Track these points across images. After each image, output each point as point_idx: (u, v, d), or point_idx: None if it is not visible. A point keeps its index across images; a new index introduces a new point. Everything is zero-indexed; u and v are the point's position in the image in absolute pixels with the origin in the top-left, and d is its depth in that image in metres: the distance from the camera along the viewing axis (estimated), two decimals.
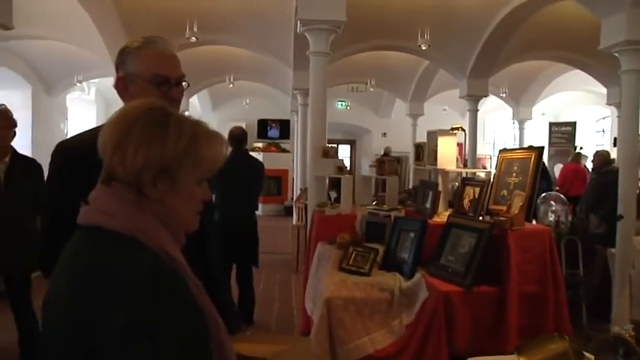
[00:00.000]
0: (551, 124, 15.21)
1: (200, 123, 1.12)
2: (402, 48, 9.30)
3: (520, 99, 14.55)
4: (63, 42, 8.75)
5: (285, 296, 6.40)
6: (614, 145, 10.23)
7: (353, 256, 3.38)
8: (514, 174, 3.33)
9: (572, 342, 1.65)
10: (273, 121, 16.53)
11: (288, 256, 8.23)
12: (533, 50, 9.52)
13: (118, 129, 1.06)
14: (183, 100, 1.73)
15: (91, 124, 11.26)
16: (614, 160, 7.40)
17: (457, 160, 4.13)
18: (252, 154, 6.06)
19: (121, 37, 7.82)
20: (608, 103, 10.79)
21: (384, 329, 2.97)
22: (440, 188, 3.76)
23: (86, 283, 0.97)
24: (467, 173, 4.14)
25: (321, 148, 5.18)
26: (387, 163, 4.59)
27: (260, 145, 15.53)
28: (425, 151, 4.23)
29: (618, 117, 7.13)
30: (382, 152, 13.07)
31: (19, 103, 10.50)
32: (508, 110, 15.42)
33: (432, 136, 4.05)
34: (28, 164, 4.04)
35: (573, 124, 14.75)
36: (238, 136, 5.09)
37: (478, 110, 10.02)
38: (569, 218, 5.77)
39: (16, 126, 3.98)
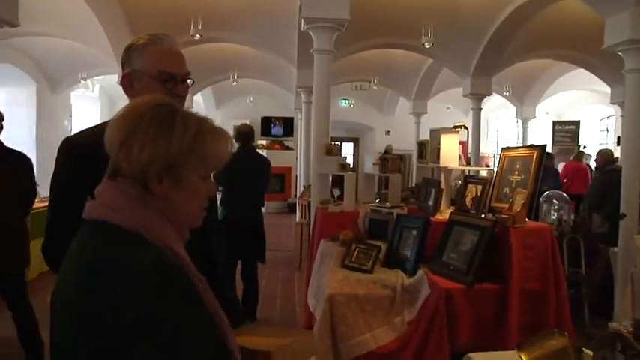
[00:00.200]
0: (554, 123, 15.21)
1: (206, 120, 1.13)
2: (406, 46, 9.31)
3: (524, 98, 14.53)
4: (68, 39, 8.78)
5: (287, 293, 6.43)
6: (618, 144, 10.23)
7: (356, 253, 3.40)
8: (516, 172, 3.34)
9: (573, 339, 1.66)
10: (277, 118, 16.55)
11: (291, 253, 8.26)
12: (536, 49, 9.52)
13: (124, 125, 1.07)
14: (187, 98, 1.75)
15: (95, 121, 11.31)
16: (617, 159, 7.40)
17: (460, 158, 4.14)
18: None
19: (125, 35, 7.84)
20: (612, 102, 10.78)
21: (386, 326, 2.99)
22: (442, 186, 3.78)
23: (92, 278, 0.98)
24: (469, 171, 4.15)
25: (324, 145, 5.19)
26: (390, 160, 4.60)
27: (263, 142, 15.56)
28: (428, 149, 4.24)
29: (622, 116, 7.12)
30: (384, 150, 13.09)
31: (24, 100, 10.56)
32: (512, 109, 15.40)
33: (435, 134, 4.06)
34: (18, 159, 3.86)
35: (577, 123, 14.75)
36: (246, 134, 5.14)
37: (482, 109, 10.03)
38: (572, 217, 5.78)
39: (3, 119, 3.87)
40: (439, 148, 3.92)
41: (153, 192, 1.06)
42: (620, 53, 5.17)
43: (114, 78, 9.48)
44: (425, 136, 4.42)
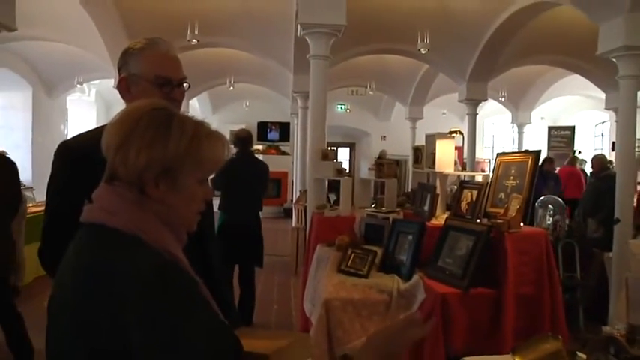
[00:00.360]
0: (550, 129, 15.27)
1: (202, 124, 1.13)
2: (402, 52, 9.34)
3: (519, 103, 14.59)
4: (64, 43, 8.79)
5: (283, 298, 6.43)
6: (613, 150, 10.28)
7: (352, 257, 3.41)
8: (511, 177, 3.36)
9: (568, 344, 1.67)
10: (273, 123, 16.56)
11: (287, 258, 8.26)
12: (532, 55, 9.56)
13: (121, 129, 1.07)
14: (183, 102, 1.76)
15: (91, 125, 11.27)
16: (610, 162, 7.45)
17: (455, 164, 4.15)
18: None
19: (122, 39, 7.85)
20: (607, 108, 10.83)
21: None
22: (438, 191, 3.79)
23: (89, 282, 0.99)
24: (465, 176, 4.16)
25: (320, 150, 5.20)
26: (386, 166, 4.62)
27: (260, 147, 15.56)
28: (423, 155, 4.25)
29: (616, 121, 7.17)
30: (378, 155, 13.10)
31: (20, 104, 10.55)
32: (507, 114, 15.46)
33: (431, 139, 4.07)
34: (1, 163, 3.82)
35: (572, 129, 14.81)
36: (244, 139, 5.18)
37: (477, 114, 10.06)
38: (567, 222, 5.80)
39: None
40: (435, 154, 3.93)
41: (150, 196, 1.06)
42: (614, 59, 5.21)
43: (110, 82, 9.48)
44: (421, 141, 4.43)
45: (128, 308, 0.93)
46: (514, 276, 2.87)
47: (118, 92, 1.69)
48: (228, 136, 1.66)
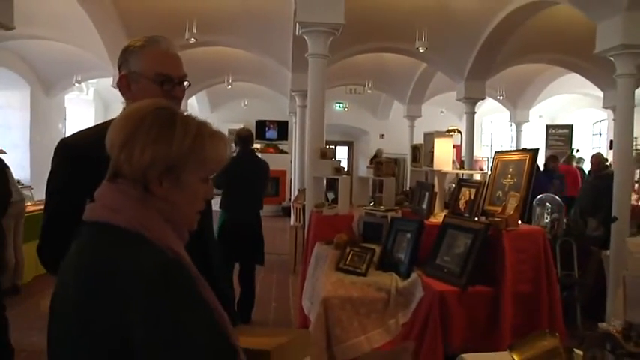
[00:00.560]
0: (548, 127, 15.30)
1: (205, 123, 1.15)
2: (400, 50, 9.34)
3: (517, 101, 14.60)
4: (62, 42, 8.79)
5: (282, 296, 6.44)
6: (611, 148, 10.30)
7: (350, 256, 3.42)
8: (509, 175, 3.37)
9: (565, 341, 1.69)
10: (271, 122, 16.54)
11: (285, 257, 8.27)
12: (530, 53, 9.58)
13: (125, 127, 1.08)
14: (182, 101, 1.76)
15: (89, 124, 11.21)
16: (606, 159, 7.47)
17: (453, 162, 4.16)
18: None
19: (120, 38, 7.85)
20: (605, 106, 10.85)
21: (380, 328, 3.00)
22: (436, 189, 3.80)
23: (93, 281, 1.00)
24: (463, 175, 4.17)
25: (319, 149, 5.21)
26: (385, 164, 4.62)
27: (258, 146, 15.54)
28: (422, 153, 4.26)
29: (614, 120, 7.19)
30: (374, 154, 13.10)
31: (18, 103, 10.54)
32: (505, 113, 15.47)
33: (429, 137, 4.08)
34: None
35: (570, 127, 14.84)
36: (245, 137, 5.21)
37: (475, 112, 10.07)
38: (564, 220, 5.81)
39: None
40: (433, 152, 3.94)
41: (154, 193, 1.08)
42: (611, 58, 5.22)
43: (108, 81, 9.47)
44: (419, 139, 4.44)
45: (131, 307, 0.94)
46: (512, 274, 2.89)
47: (116, 91, 1.69)
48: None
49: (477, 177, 3.95)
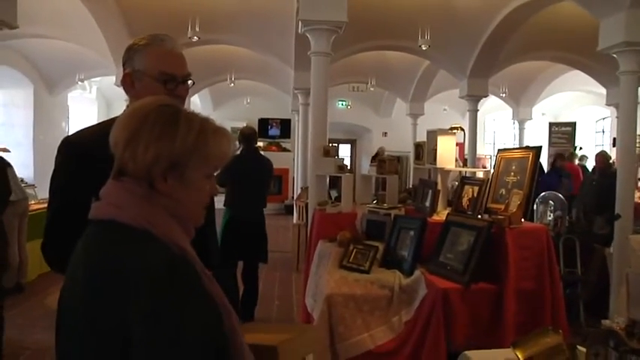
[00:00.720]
0: (551, 125, 15.26)
1: (208, 120, 1.15)
2: (403, 48, 9.34)
3: (520, 99, 14.57)
4: (65, 41, 8.80)
5: (285, 294, 6.45)
6: (614, 146, 10.29)
7: (353, 253, 3.42)
8: (512, 173, 3.37)
9: (569, 338, 1.69)
10: (274, 120, 16.55)
11: (288, 255, 8.28)
12: (533, 51, 9.56)
13: (129, 125, 1.09)
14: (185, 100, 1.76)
15: (92, 122, 11.23)
16: (610, 157, 7.46)
17: (456, 160, 4.16)
18: None
19: (123, 37, 7.86)
20: (608, 104, 10.83)
21: (383, 325, 3.01)
22: (439, 187, 3.80)
23: (98, 278, 1.01)
24: (466, 172, 4.18)
25: (321, 147, 5.21)
26: (388, 162, 4.63)
27: (261, 144, 15.55)
28: (424, 151, 4.27)
29: (617, 117, 7.19)
30: (376, 152, 13.10)
31: (21, 102, 10.56)
32: (508, 110, 15.45)
33: (432, 135, 4.08)
34: None
35: (573, 125, 14.80)
36: (249, 136, 5.21)
37: (478, 110, 10.06)
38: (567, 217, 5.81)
39: None
40: (436, 150, 3.94)
41: (158, 190, 1.08)
42: (614, 55, 5.21)
43: (111, 80, 9.49)
44: (422, 137, 4.45)
45: (135, 305, 0.95)
46: (515, 271, 2.89)
47: (119, 89, 1.70)
48: None
49: (480, 174, 3.96)
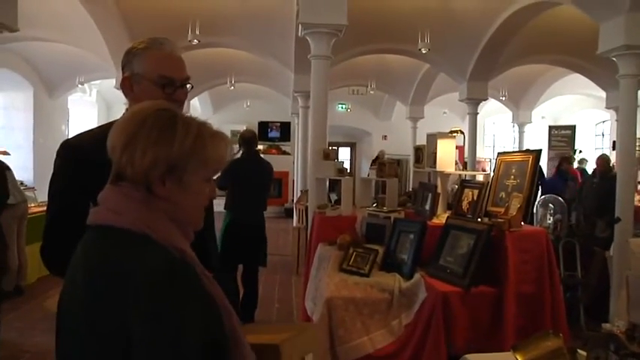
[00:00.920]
0: (550, 128, 15.25)
1: (205, 124, 1.15)
2: (403, 51, 9.34)
3: (520, 102, 14.59)
4: (65, 44, 8.80)
5: (285, 297, 6.44)
6: (614, 149, 10.27)
7: (353, 256, 3.42)
8: (512, 176, 3.37)
9: (569, 342, 1.69)
10: (274, 123, 16.55)
11: (288, 258, 8.27)
12: (532, 54, 9.56)
13: (126, 130, 1.09)
14: (184, 104, 1.76)
15: (92, 125, 11.24)
16: (609, 161, 7.46)
17: (456, 163, 4.16)
18: None
19: (123, 40, 7.86)
20: (608, 107, 10.83)
21: (383, 329, 3.01)
22: (439, 190, 3.80)
23: (98, 283, 1.01)
24: (466, 175, 4.17)
25: (321, 150, 5.22)
26: (387, 165, 4.63)
27: (261, 147, 15.54)
28: (424, 154, 4.27)
29: (617, 120, 7.19)
30: (376, 155, 13.09)
31: (21, 105, 10.56)
32: (508, 113, 15.45)
33: (432, 138, 4.08)
34: None
35: (573, 128, 14.79)
36: (249, 139, 5.21)
37: (478, 113, 10.06)
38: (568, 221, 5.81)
39: None
40: (436, 153, 3.94)
41: (157, 194, 1.08)
42: (614, 59, 5.21)
43: (111, 83, 9.49)
44: (422, 140, 4.45)
45: (135, 308, 0.95)
46: (515, 274, 2.89)
47: (119, 93, 1.69)
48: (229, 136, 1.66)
49: (480, 178, 3.95)
